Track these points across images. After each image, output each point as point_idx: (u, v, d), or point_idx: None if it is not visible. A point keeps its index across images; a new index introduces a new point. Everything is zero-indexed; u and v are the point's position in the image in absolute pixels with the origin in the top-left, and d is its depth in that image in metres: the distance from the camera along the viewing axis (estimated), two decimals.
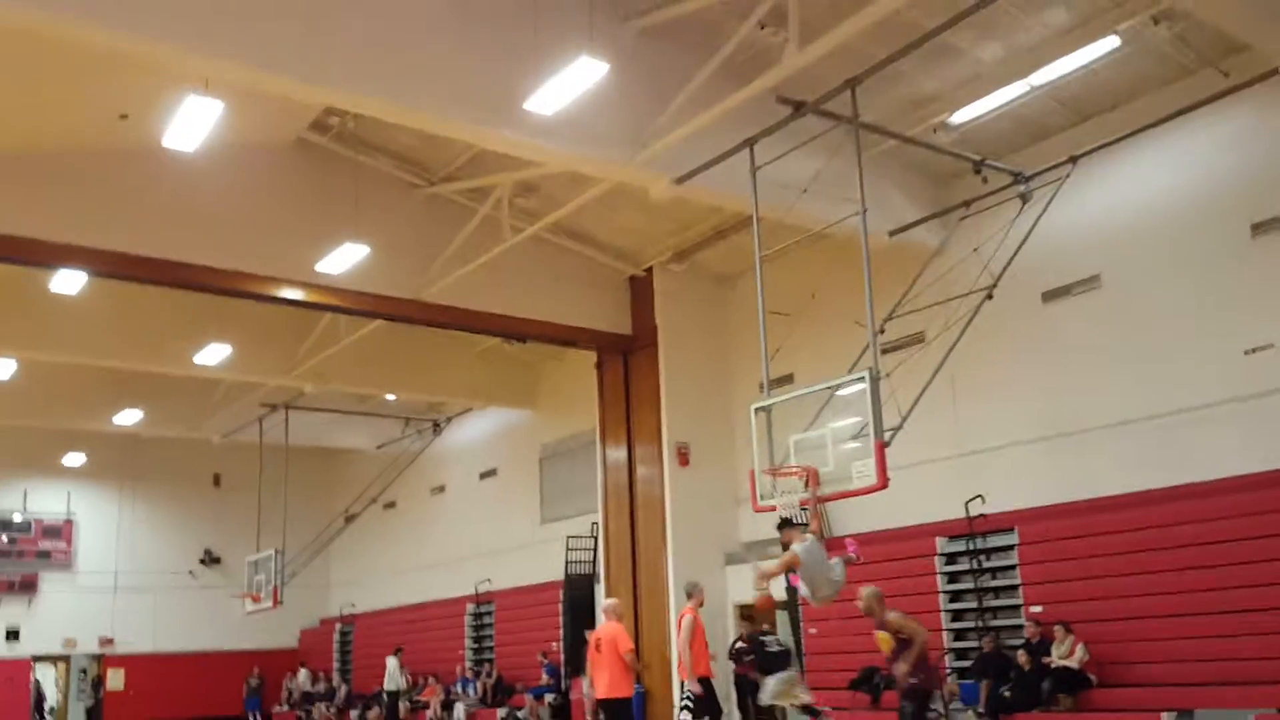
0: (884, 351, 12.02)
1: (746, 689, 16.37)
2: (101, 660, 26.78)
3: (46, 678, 27.15)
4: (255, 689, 27.04)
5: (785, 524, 10.86)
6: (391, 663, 22.17)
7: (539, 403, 22.93)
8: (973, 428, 14.62)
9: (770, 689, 12.52)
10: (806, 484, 12.44)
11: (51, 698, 27.37)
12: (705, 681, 11.43)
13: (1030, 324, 14.14)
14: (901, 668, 7.94)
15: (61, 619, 26.04)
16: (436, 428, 25.59)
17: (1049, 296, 14.06)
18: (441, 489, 25.88)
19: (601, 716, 12.11)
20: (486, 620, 23.13)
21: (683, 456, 17.78)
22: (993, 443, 14.38)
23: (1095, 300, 13.62)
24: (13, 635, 25.39)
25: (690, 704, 11.26)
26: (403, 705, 22.14)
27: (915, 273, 13.61)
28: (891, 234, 14.33)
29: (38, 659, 26.01)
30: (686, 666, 11.34)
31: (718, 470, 17.77)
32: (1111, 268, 13.50)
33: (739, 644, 16.49)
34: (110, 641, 26.68)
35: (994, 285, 12.34)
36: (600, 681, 11.46)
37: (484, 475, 24.57)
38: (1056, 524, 13.41)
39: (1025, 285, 13.47)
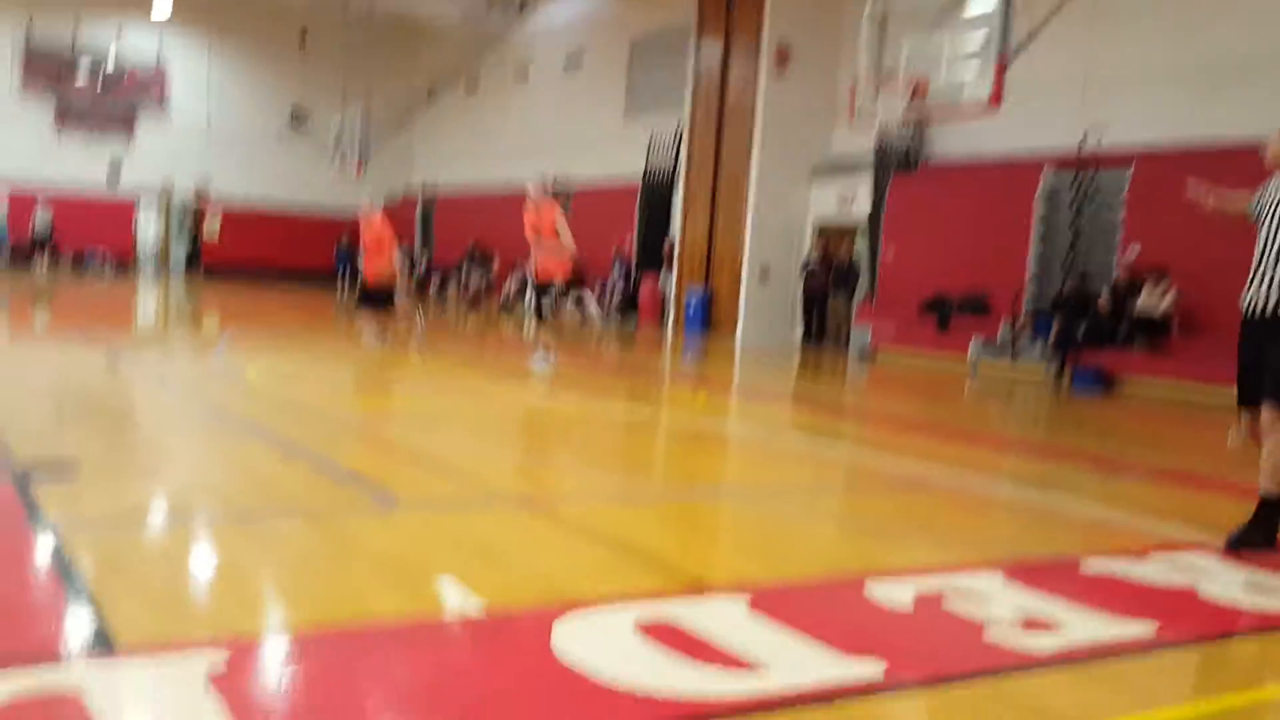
0: None
1: (814, 303, 16.54)
2: (198, 209, 27.90)
3: (148, 221, 28.51)
4: (345, 249, 28.13)
5: None
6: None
7: None
8: (1105, 55, 13.27)
9: None
10: (913, 96, 11.63)
11: (154, 241, 28.94)
12: None
13: None
14: None
15: (159, 162, 26.77)
16: (523, 7, 24.25)
17: None
18: (525, 75, 25.06)
19: None
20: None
21: (782, 57, 16.65)
22: (1124, 72, 13.10)
23: None
24: (114, 172, 26.24)
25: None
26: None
27: None
28: None
29: (138, 200, 27.10)
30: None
31: (817, 78, 16.69)
32: None
33: (811, 262, 16.43)
34: (206, 187, 27.50)
35: None
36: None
37: (569, 65, 23.61)
38: (1174, 166, 12.50)
39: None
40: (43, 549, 3.26)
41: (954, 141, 15.15)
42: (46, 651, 2.45)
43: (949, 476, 5.70)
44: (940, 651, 2.85)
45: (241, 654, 2.47)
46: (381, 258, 10.92)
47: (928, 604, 3.24)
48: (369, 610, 2.89)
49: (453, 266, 24.75)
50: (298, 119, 27.84)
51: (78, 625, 2.63)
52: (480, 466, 5.13)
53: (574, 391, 8.87)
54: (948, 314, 14.00)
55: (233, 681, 2.29)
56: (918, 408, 9.67)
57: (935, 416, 8.89)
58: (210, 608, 2.93)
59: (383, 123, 23.53)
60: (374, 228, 11.03)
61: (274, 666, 2.48)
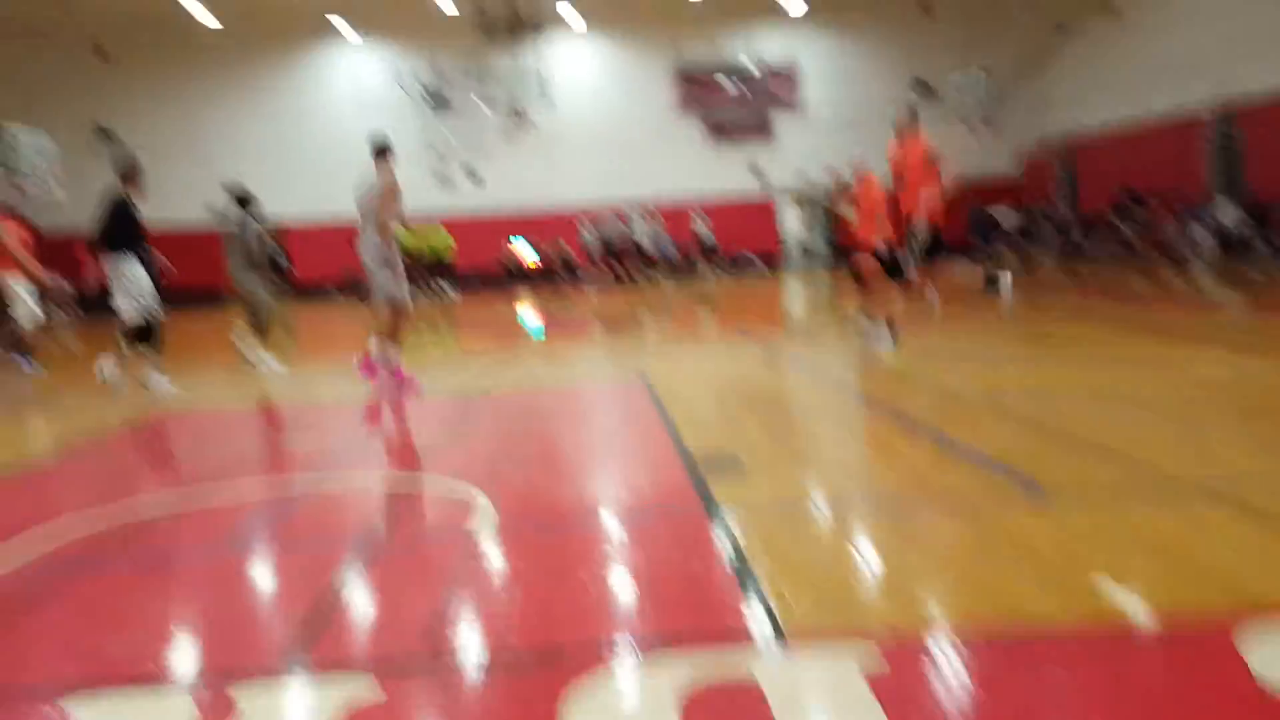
0: None
1: None
2: (835, 198, 29.24)
3: (790, 217, 30.61)
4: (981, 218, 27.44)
5: None
6: None
7: None
8: None
9: None
10: None
11: (796, 235, 30.91)
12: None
13: None
14: None
15: (796, 158, 28.65)
16: None
17: None
18: None
19: None
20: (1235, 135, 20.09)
21: None
22: None
23: None
24: (757, 175, 28.59)
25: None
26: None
27: None
28: None
29: (780, 199, 29.22)
30: None
31: None
32: None
33: None
34: (841, 174, 28.69)
35: None
36: None
37: None
38: None
39: None
40: (718, 538, 3.58)
41: None
42: (726, 635, 2.70)
43: None
44: None
45: (897, 651, 2.49)
46: (873, 220, 10.45)
47: None
48: (1026, 612, 2.74)
49: (1100, 219, 22.83)
50: (923, 89, 27.82)
51: (749, 611, 2.86)
52: (1147, 449, 4.57)
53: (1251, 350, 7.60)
54: None
55: (890, 680, 2.31)
56: None
57: None
58: (865, 600, 3.00)
59: (1012, 73, 22.38)
60: (872, 187, 10.58)
61: (930, 668, 2.45)
